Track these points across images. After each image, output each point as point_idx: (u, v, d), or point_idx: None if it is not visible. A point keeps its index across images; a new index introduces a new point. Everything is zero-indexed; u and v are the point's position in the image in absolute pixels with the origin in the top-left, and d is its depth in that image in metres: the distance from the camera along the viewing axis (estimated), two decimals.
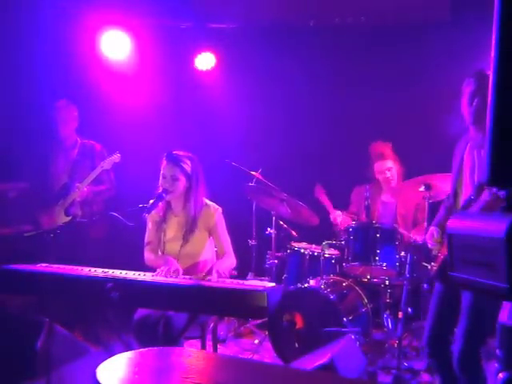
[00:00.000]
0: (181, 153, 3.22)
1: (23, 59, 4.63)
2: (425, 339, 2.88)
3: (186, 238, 3.18)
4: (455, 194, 2.82)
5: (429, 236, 2.93)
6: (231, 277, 3.02)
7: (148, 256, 3.27)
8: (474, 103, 2.65)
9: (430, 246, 2.92)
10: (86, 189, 4.32)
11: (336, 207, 4.57)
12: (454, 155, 2.93)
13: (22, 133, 4.54)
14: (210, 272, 3.07)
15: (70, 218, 4.30)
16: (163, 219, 3.26)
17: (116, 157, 4.37)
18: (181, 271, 2.99)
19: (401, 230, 4.13)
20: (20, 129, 4.57)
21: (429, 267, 2.95)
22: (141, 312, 2.98)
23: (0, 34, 4.49)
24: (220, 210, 3.27)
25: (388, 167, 4.37)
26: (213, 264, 3.21)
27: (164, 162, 3.18)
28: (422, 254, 3.68)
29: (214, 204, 3.28)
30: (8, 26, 4.55)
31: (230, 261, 3.21)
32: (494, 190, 1.36)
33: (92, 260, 3.09)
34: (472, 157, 2.75)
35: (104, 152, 4.52)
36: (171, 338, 2.82)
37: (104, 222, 4.29)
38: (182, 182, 3.15)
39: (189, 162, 3.18)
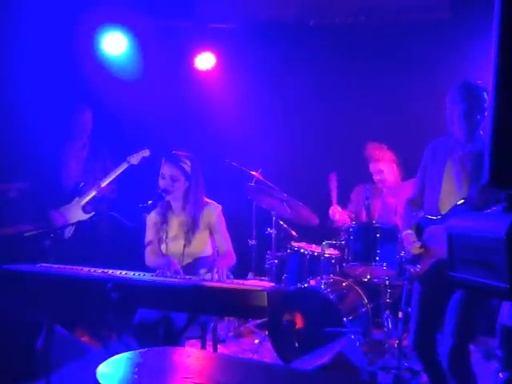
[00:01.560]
0: (180, 153, 3.22)
1: (23, 59, 4.63)
2: (411, 342, 2.88)
3: (188, 238, 3.17)
4: (440, 198, 2.78)
5: (407, 241, 2.88)
6: (229, 277, 3.01)
7: (149, 257, 3.27)
8: (472, 121, 2.66)
9: (410, 249, 2.86)
10: (105, 186, 4.34)
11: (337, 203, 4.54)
12: (429, 157, 2.90)
13: (22, 131, 4.56)
14: (210, 270, 3.05)
15: (89, 215, 4.31)
16: (164, 220, 3.25)
17: (144, 152, 4.35)
18: (181, 273, 2.99)
19: (400, 228, 4.13)
20: (20, 129, 4.58)
21: (412, 270, 2.90)
22: (141, 314, 2.98)
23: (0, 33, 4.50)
24: (220, 207, 3.27)
25: (379, 169, 4.35)
26: (213, 262, 3.21)
27: (163, 162, 3.17)
28: None
29: (214, 202, 3.28)
30: (8, 26, 4.55)
31: (230, 259, 3.21)
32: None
33: (92, 260, 3.09)
34: (461, 164, 2.73)
35: (112, 154, 4.54)
36: (172, 338, 2.82)
37: (104, 222, 4.30)
38: (182, 182, 3.15)
39: (188, 162, 3.17)
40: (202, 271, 3.11)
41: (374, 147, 4.37)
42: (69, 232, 4.22)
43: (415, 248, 2.82)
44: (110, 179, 4.34)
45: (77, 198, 4.35)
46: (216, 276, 2.86)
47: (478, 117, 2.69)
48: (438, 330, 2.83)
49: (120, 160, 4.46)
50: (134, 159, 4.35)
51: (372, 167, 4.40)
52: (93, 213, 4.32)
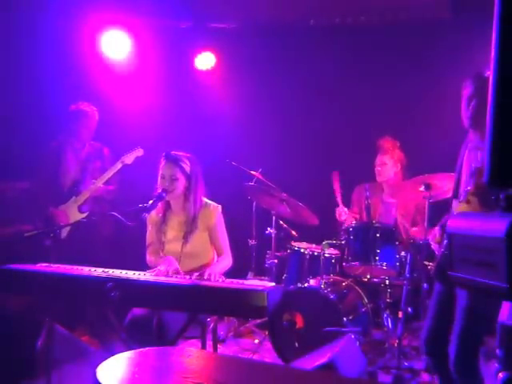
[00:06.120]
0: (179, 153, 3.22)
1: (24, 59, 4.64)
2: (423, 338, 2.88)
3: (186, 238, 3.18)
4: (458, 192, 2.80)
5: (432, 236, 2.93)
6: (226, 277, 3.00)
7: (150, 258, 3.27)
8: (471, 106, 2.64)
9: (432, 246, 2.93)
10: (101, 186, 4.34)
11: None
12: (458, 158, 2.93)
13: (22, 131, 4.56)
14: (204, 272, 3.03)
15: (84, 214, 4.32)
16: (163, 220, 3.25)
17: (138, 151, 4.36)
18: (181, 271, 2.99)
19: (401, 228, 4.13)
20: (20, 127, 4.59)
21: (429, 267, 2.95)
22: (133, 312, 2.98)
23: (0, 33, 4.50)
24: (220, 208, 3.26)
25: (382, 162, 4.35)
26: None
27: (163, 162, 3.17)
28: (423, 254, 3.67)
29: (213, 203, 3.27)
30: (8, 26, 4.56)
31: (226, 262, 3.21)
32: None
33: (92, 260, 3.09)
34: (469, 159, 2.74)
35: (111, 155, 4.54)
36: (164, 336, 2.81)
37: (104, 222, 4.30)
38: (182, 182, 3.15)
39: (188, 162, 3.18)
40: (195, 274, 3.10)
41: (387, 140, 4.38)
42: (65, 232, 4.20)
43: (436, 243, 2.85)
44: (105, 179, 4.34)
45: (73, 198, 4.34)
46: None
47: (480, 107, 2.65)
48: (451, 330, 2.82)
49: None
50: (128, 159, 4.35)
51: (377, 159, 4.38)
52: (87, 213, 4.33)
